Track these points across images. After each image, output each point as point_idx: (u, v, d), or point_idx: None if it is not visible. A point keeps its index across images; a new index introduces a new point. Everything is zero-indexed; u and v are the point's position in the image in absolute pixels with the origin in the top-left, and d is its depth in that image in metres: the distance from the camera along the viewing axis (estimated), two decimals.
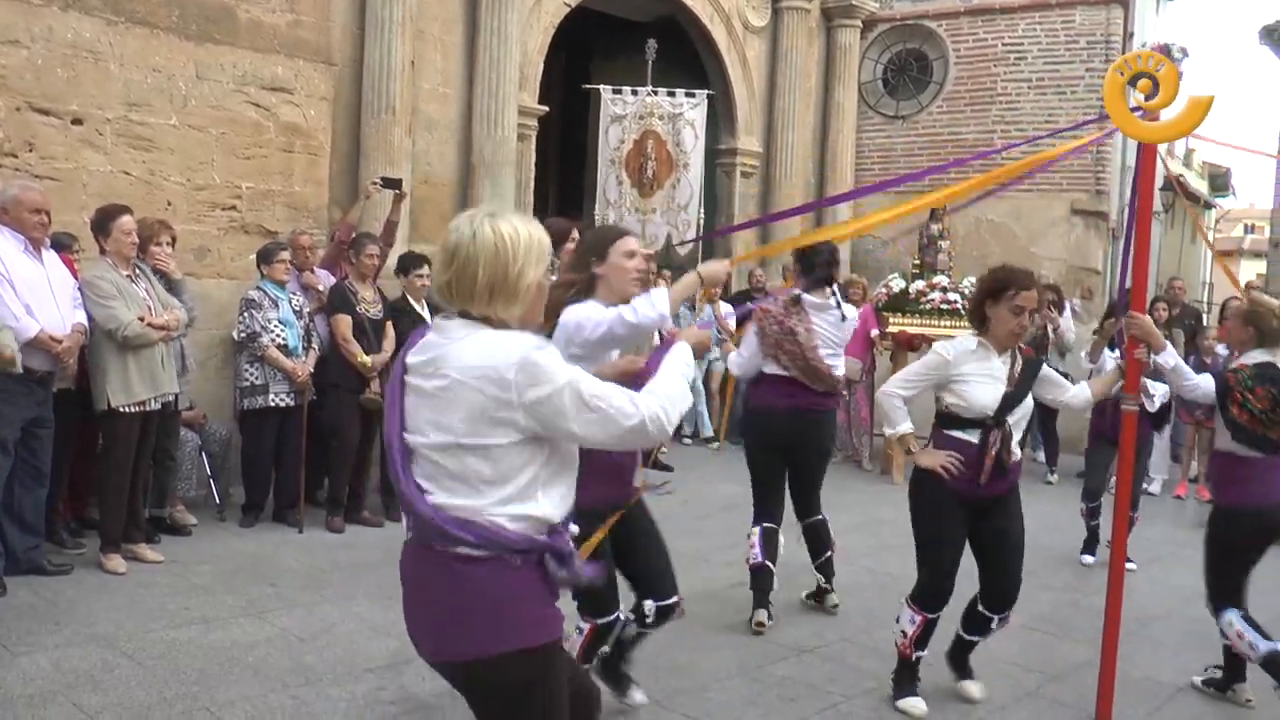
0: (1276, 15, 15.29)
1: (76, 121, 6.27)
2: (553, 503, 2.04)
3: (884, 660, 4.32)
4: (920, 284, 8.81)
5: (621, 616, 3.45)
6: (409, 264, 6.46)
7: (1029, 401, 3.79)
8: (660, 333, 3.47)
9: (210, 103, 6.86)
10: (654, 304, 3.03)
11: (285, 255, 6.11)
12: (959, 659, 4.05)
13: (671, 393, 2.10)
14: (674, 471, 8.52)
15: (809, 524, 4.97)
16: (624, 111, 9.97)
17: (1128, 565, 4.27)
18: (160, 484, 5.62)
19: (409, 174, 7.74)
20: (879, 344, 8.96)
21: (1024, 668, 4.37)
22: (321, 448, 6.31)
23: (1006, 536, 3.80)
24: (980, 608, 3.89)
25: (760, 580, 4.71)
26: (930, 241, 9.06)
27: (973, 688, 3.98)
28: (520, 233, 2.01)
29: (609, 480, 3.10)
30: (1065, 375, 4.24)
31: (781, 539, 4.83)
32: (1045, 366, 3.94)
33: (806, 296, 4.73)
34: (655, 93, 9.98)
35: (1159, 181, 16.39)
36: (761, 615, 4.67)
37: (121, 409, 4.97)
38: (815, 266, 4.74)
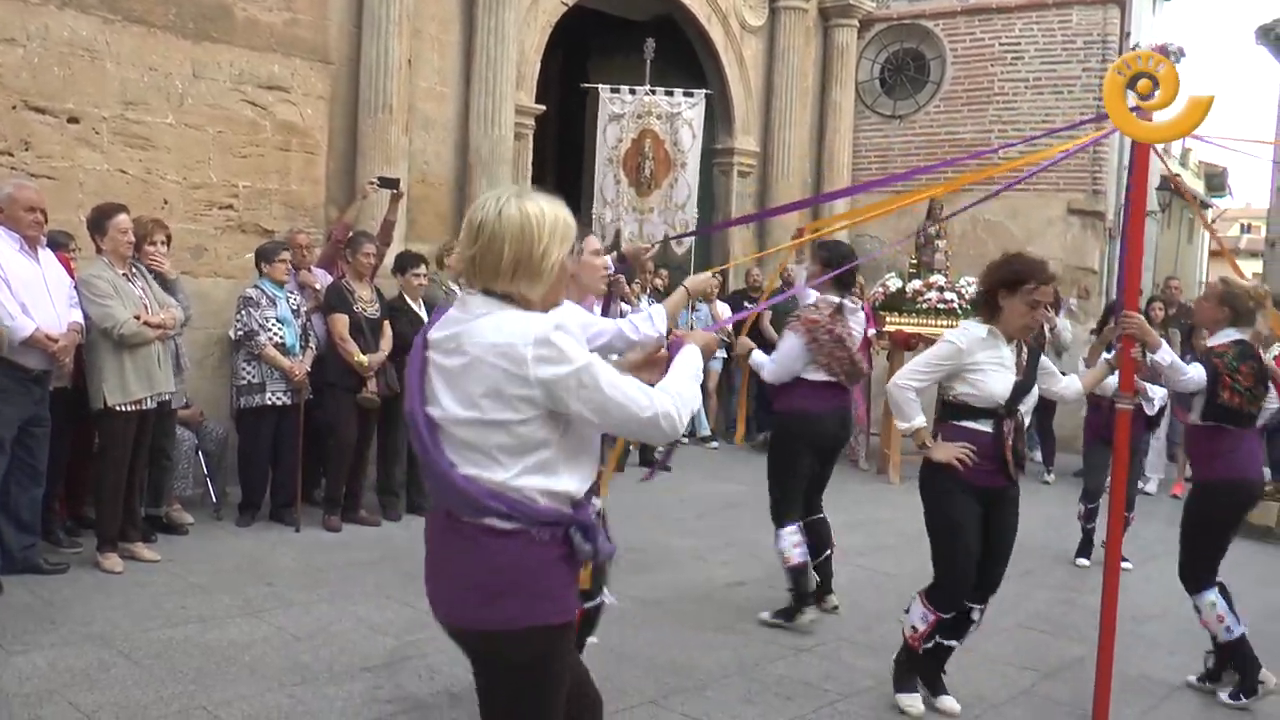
0: (1273, 15, 15.32)
1: (73, 120, 6.27)
2: (576, 478, 2.07)
3: (881, 659, 4.33)
4: (917, 283, 8.82)
5: (608, 600, 3.47)
6: (406, 263, 6.46)
7: (1036, 390, 3.78)
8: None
9: (207, 101, 6.85)
10: (654, 322, 3.14)
11: (286, 255, 6.12)
12: (934, 672, 3.92)
13: (684, 392, 2.13)
14: (671, 471, 8.53)
15: (811, 521, 4.98)
16: (622, 110, 9.97)
17: (1124, 565, 4.29)
18: (157, 483, 5.61)
19: (406, 173, 7.74)
20: (875, 343, 8.96)
21: (1019, 666, 4.38)
22: (318, 447, 6.31)
23: (1006, 528, 3.78)
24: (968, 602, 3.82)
25: (803, 580, 4.71)
26: (927, 241, 9.07)
27: (951, 703, 3.86)
28: (546, 213, 2.04)
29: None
30: (1063, 373, 4.26)
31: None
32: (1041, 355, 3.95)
33: (846, 303, 4.83)
34: (653, 92, 9.98)
35: (1155, 181, 16.45)
36: (813, 612, 4.71)
37: (118, 408, 4.96)
38: (845, 270, 4.86)
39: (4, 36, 5.97)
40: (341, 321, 6.07)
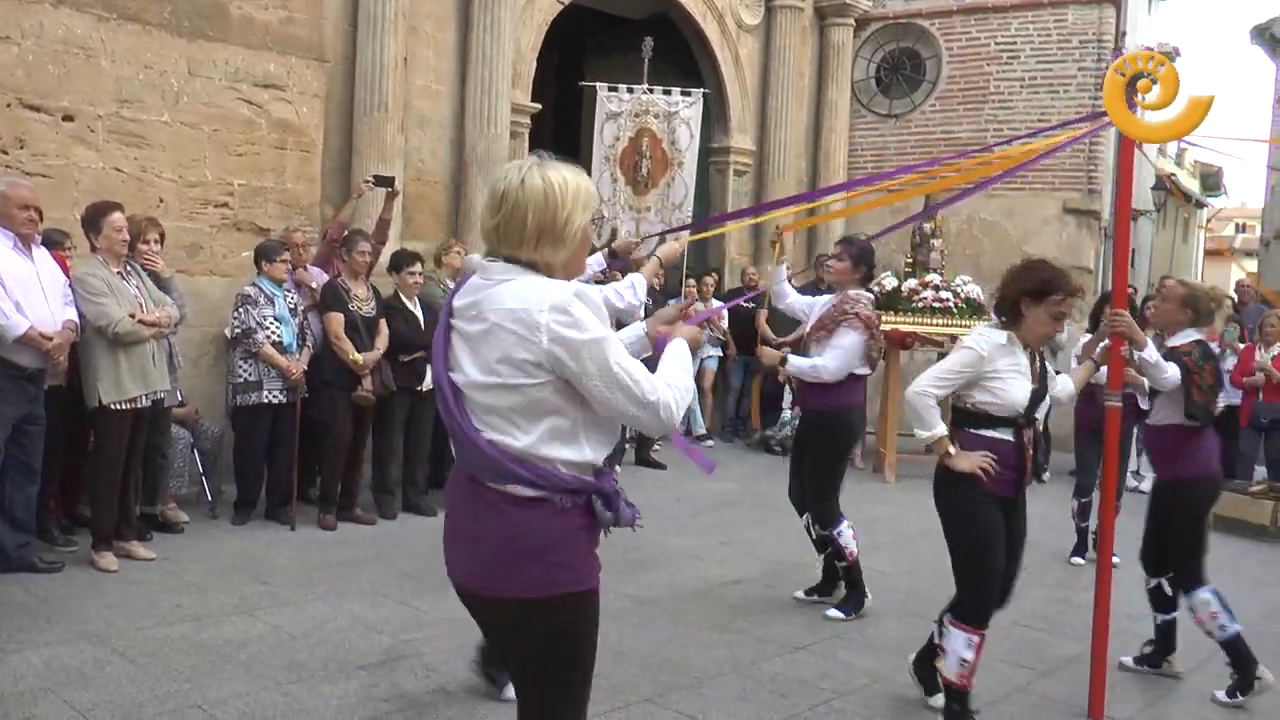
0: (1268, 15, 15.35)
1: (68, 118, 6.25)
2: (596, 446, 2.10)
3: (876, 657, 4.35)
4: (912, 282, 8.83)
5: None
6: (401, 261, 6.45)
7: (1049, 397, 3.75)
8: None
9: (202, 99, 6.84)
10: (636, 290, 3.35)
11: (287, 255, 6.13)
12: (929, 670, 3.87)
13: (681, 387, 2.15)
14: (666, 469, 8.54)
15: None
16: (619, 109, 9.96)
17: (1114, 560, 4.32)
18: (152, 481, 5.61)
19: (401, 171, 7.73)
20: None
21: (1014, 664, 4.39)
22: (314, 445, 6.31)
23: (1020, 534, 3.72)
24: None
25: (857, 573, 4.91)
26: (923, 240, 9.08)
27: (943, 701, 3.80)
28: (569, 180, 2.08)
29: None
30: (1057, 372, 4.27)
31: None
32: None
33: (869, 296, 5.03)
34: (651, 90, 9.97)
35: (1150, 180, 16.48)
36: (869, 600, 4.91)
37: (113, 406, 4.96)
38: (871, 267, 5.08)
39: None
40: (337, 320, 6.06)
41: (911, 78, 11.73)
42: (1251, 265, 24.99)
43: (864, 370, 4.98)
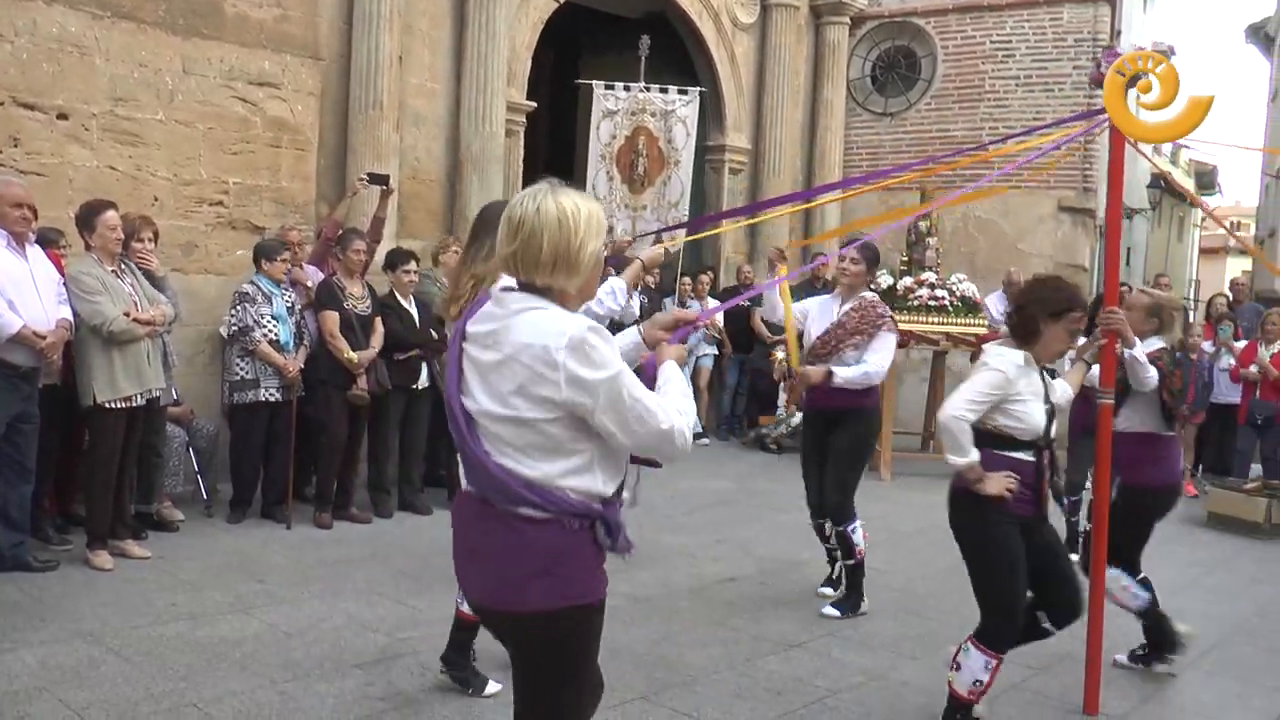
0: (1262, 14, 15.38)
1: (62, 116, 6.24)
2: (605, 477, 2.14)
3: (871, 654, 4.35)
4: (908, 280, 8.84)
5: None
6: (396, 260, 6.45)
7: (1057, 416, 3.72)
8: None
9: (197, 98, 6.82)
10: (616, 296, 3.36)
11: (287, 255, 6.13)
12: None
13: (687, 410, 2.21)
14: (660, 467, 8.54)
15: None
16: (616, 107, 9.95)
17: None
18: (147, 480, 5.60)
19: (396, 170, 7.71)
20: None
21: (1009, 660, 4.36)
22: (310, 444, 6.31)
23: (1055, 546, 3.64)
24: (1048, 624, 3.65)
25: (860, 574, 4.98)
26: (918, 238, 9.09)
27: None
28: (581, 208, 2.11)
29: None
30: (1052, 374, 4.27)
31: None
32: None
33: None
34: (648, 89, 9.97)
35: (1146, 179, 16.51)
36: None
37: (107, 405, 4.95)
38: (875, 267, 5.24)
39: None
40: (332, 319, 6.06)
41: (907, 76, 11.74)
42: (1246, 263, 25.03)
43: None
